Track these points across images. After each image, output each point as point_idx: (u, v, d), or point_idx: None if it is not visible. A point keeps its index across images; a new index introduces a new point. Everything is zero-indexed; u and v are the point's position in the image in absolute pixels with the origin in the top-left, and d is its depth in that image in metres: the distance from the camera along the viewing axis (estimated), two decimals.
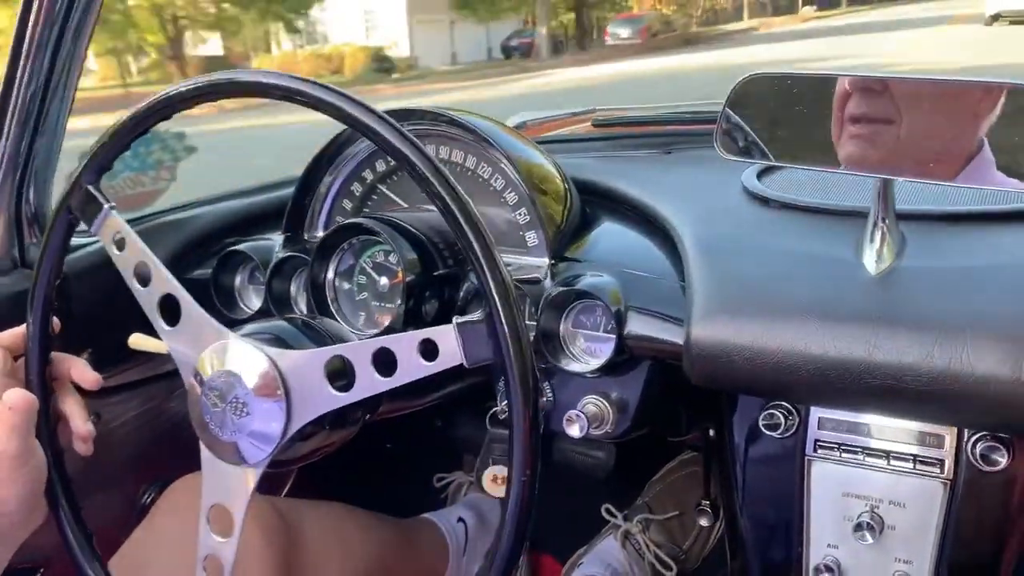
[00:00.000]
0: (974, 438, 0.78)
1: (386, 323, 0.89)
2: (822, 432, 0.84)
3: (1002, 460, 0.77)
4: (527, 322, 0.87)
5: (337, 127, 0.95)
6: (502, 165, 0.92)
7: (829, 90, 0.71)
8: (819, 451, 0.84)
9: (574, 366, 0.86)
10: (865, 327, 0.70)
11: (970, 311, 0.69)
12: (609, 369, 0.85)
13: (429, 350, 0.63)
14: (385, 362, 0.65)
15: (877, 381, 0.70)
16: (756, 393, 0.83)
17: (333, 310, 0.92)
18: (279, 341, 0.72)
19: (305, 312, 0.95)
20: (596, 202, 1.00)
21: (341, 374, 0.67)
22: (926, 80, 0.68)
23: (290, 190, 1.04)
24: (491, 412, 0.92)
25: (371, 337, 0.72)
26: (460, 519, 1.43)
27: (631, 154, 1.13)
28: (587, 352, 0.87)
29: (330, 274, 0.92)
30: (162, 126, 0.75)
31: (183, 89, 0.69)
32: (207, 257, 1.07)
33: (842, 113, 0.70)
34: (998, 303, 0.69)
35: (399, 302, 0.86)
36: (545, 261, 0.90)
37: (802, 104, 0.73)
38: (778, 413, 0.85)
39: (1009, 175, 0.65)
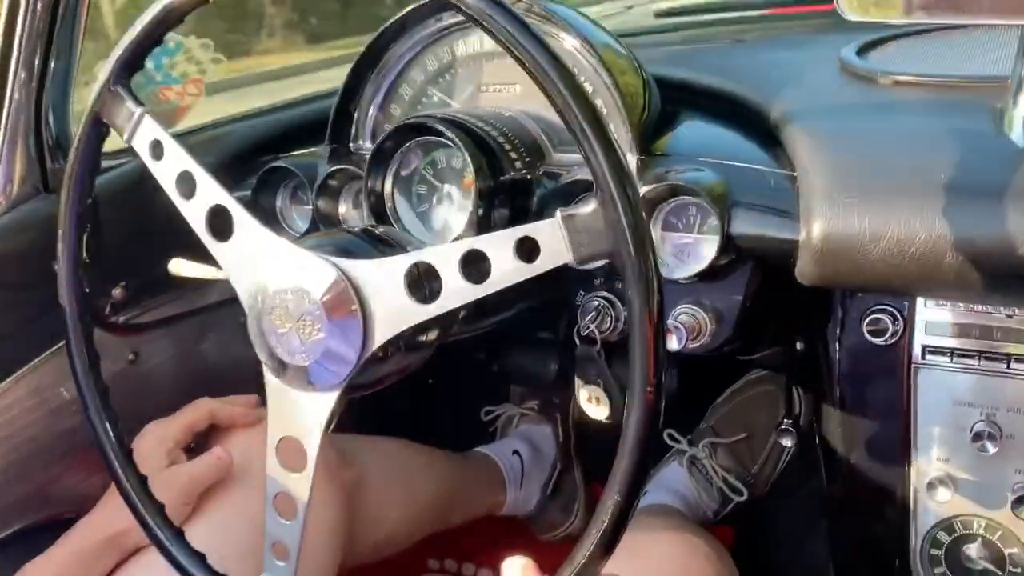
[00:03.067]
0: None
1: (455, 234, 0.80)
2: (930, 337, 0.77)
3: None
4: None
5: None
6: (578, 52, 0.82)
7: None
8: (928, 357, 0.77)
9: (669, 272, 0.77)
10: (1018, 205, 0.62)
11: None
12: (707, 274, 0.76)
13: (528, 249, 0.54)
14: (475, 267, 0.56)
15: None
16: (890, 290, 0.75)
17: (393, 221, 0.83)
18: (347, 252, 0.63)
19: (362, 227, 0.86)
20: (672, 96, 0.90)
21: (424, 283, 0.58)
22: None
23: (331, 101, 0.94)
24: (576, 329, 0.84)
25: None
26: (515, 451, 1.38)
27: (700, 45, 1.02)
28: (686, 255, 0.78)
29: (388, 183, 0.83)
30: (184, 33, 0.66)
31: None
32: (244, 176, 0.98)
33: None
34: None
35: (470, 210, 0.77)
36: (631, 156, 0.80)
37: None
38: (884, 317, 0.78)
39: None
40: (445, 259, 0.57)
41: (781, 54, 0.92)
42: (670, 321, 0.78)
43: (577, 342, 0.82)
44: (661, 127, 0.85)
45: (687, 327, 0.78)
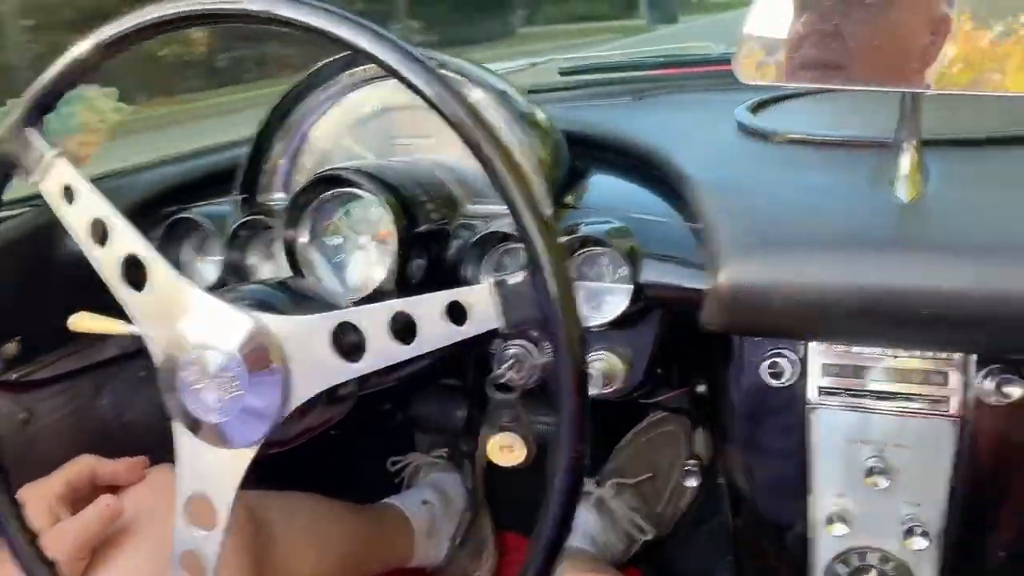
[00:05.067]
0: (983, 372, 0.76)
1: (372, 287, 0.80)
2: (825, 378, 0.81)
3: (1016, 391, 0.76)
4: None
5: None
6: (491, 109, 0.84)
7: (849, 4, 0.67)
8: (823, 397, 0.81)
9: (584, 321, 0.80)
10: (897, 254, 0.67)
11: (1007, 234, 0.66)
12: (619, 322, 0.79)
13: (457, 313, 0.56)
14: (404, 328, 0.57)
15: (912, 311, 0.66)
16: (789, 335, 0.79)
17: (308, 275, 0.83)
18: (268, 306, 0.63)
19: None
20: (579, 151, 0.93)
21: (349, 342, 0.59)
22: None
23: (241, 151, 0.93)
24: (491, 378, 0.85)
25: (358, 302, 0.65)
26: (425, 501, 1.37)
27: (601, 102, 1.07)
28: (597, 304, 0.81)
29: (304, 235, 0.83)
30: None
31: (149, 18, 0.59)
32: (150, 228, 0.95)
33: (874, 25, 0.66)
34: None
35: (388, 261, 0.78)
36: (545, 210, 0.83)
37: (830, 18, 0.68)
38: (781, 361, 0.82)
39: None
40: (373, 320, 0.57)
41: (681, 112, 0.97)
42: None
43: (490, 390, 0.83)
44: (571, 181, 0.88)
45: (601, 374, 0.81)
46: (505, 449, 0.84)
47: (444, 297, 0.56)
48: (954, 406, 0.78)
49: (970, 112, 0.82)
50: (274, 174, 0.93)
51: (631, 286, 0.77)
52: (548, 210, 0.82)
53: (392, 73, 0.55)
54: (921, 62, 0.65)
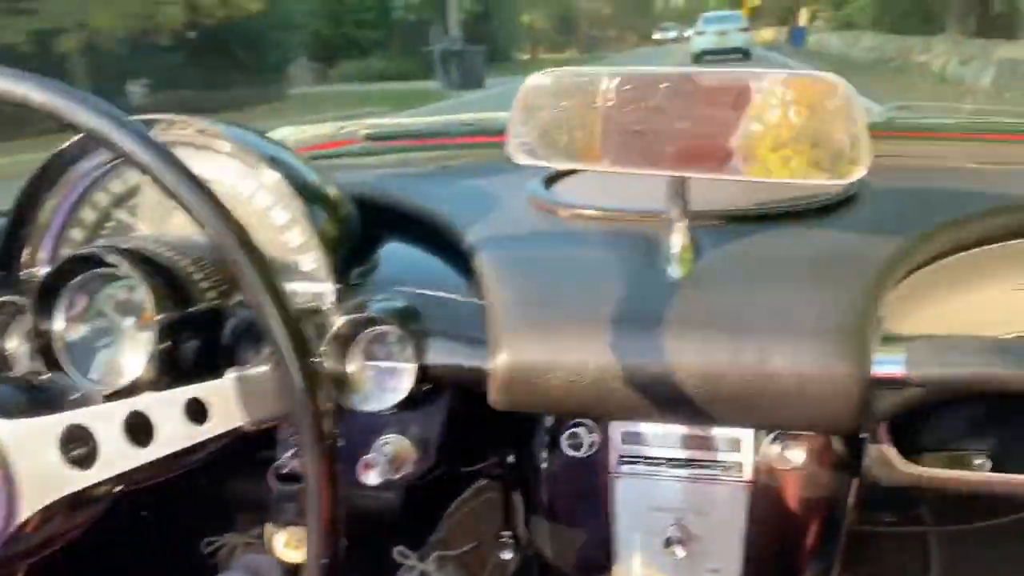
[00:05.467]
0: (770, 437, 0.78)
1: (135, 375, 0.74)
2: (625, 446, 0.82)
3: (798, 458, 0.78)
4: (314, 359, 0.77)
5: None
6: (265, 179, 0.80)
7: (618, 88, 0.68)
8: (623, 466, 0.82)
9: (369, 404, 0.76)
10: (671, 332, 0.68)
11: (773, 308, 0.68)
12: (408, 403, 0.76)
13: (197, 411, 0.52)
14: (139, 429, 0.52)
15: (684, 389, 0.67)
16: (570, 413, 0.79)
17: (65, 364, 0.75)
18: None
19: (30, 370, 0.77)
20: (377, 219, 0.91)
21: (80, 447, 0.53)
22: (728, 72, 0.67)
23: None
24: (274, 467, 0.80)
25: (115, 395, 0.59)
26: None
27: (409, 169, 1.05)
28: (382, 387, 0.78)
29: (59, 320, 0.75)
30: None
31: None
32: None
33: (654, 113, 0.67)
34: (801, 298, 0.69)
35: (149, 348, 0.72)
36: (327, 287, 0.79)
37: (593, 103, 0.69)
38: (580, 431, 0.82)
39: (814, 169, 0.65)
40: (105, 421, 0.52)
41: (480, 181, 0.96)
42: (372, 454, 0.77)
43: (272, 481, 0.78)
44: (364, 252, 0.85)
45: (390, 458, 0.77)
46: (291, 546, 0.79)
47: (183, 393, 0.51)
48: (747, 472, 0.80)
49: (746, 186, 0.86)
50: (39, 249, 0.85)
51: (415, 366, 0.74)
52: (330, 285, 0.79)
53: (103, 141, 0.51)
54: (678, 147, 0.67)
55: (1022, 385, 0.65)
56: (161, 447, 0.52)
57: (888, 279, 0.72)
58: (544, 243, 0.80)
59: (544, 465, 0.86)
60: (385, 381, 0.77)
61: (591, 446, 0.83)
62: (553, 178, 0.93)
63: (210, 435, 0.52)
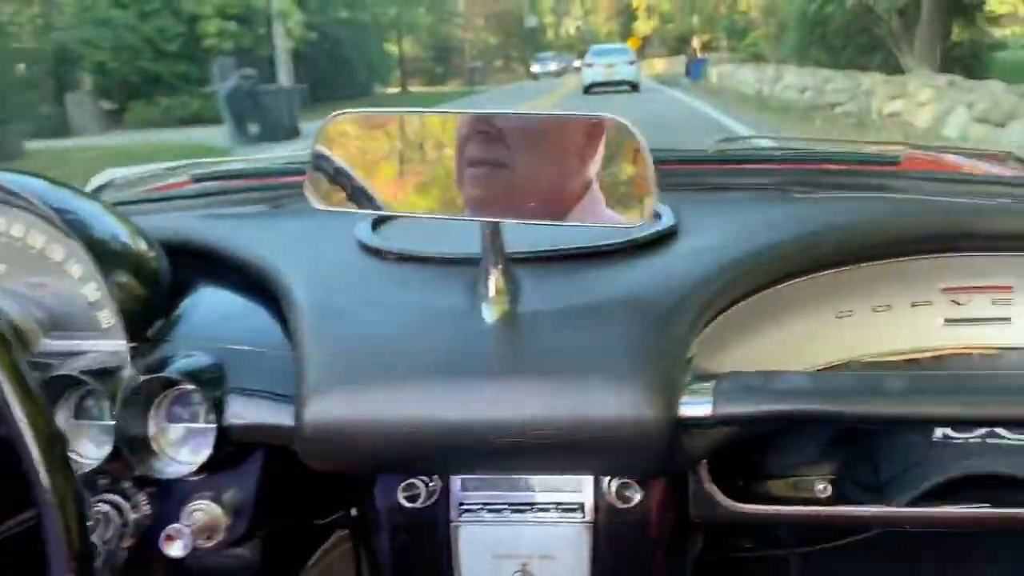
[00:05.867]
0: (607, 478, 0.77)
1: None
2: (465, 494, 0.79)
3: (636, 496, 0.78)
4: (107, 422, 0.71)
5: None
6: (59, 232, 0.75)
7: (425, 130, 0.67)
8: (464, 515, 0.79)
9: (171, 470, 0.71)
10: (482, 381, 0.66)
11: (585, 352, 0.67)
12: (215, 466, 0.71)
13: None
14: None
15: (501, 439, 0.65)
16: (383, 471, 0.76)
17: None
18: None
19: None
20: (196, 266, 0.86)
21: None
22: (531, 115, 0.66)
23: None
24: None
25: None
26: None
27: (237, 210, 1.00)
28: (189, 449, 0.72)
29: None
30: None
31: None
32: None
33: (462, 157, 0.65)
34: (611, 342, 0.68)
35: None
36: (122, 345, 0.74)
37: (402, 146, 0.67)
38: (418, 483, 0.79)
39: (614, 211, 0.65)
40: None
41: (309, 223, 0.92)
42: (176, 525, 0.71)
43: None
44: (173, 302, 0.80)
45: (197, 528, 0.72)
46: None
47: None
48: (588, 512, 0.78)
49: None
50: None
51: (215, 428, 0.69)
52: (124, 343, 0.73)
53: None
54: (480, 192, 0.65)
55: (829, 417, 0.66)
56: None
57: (702, 317, 0.72)
58: (365, 289, 0.77)
59: (383, 518, 0.82)
60: (186, 445, 0.72)
61: (430, 496, 0.79)
62: (382, 220, 0.90)
63: None
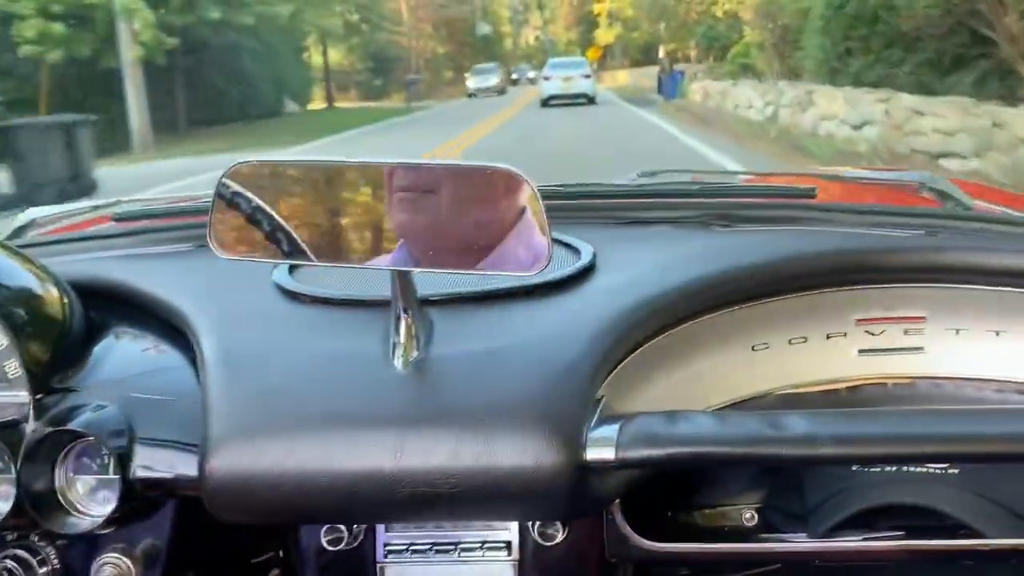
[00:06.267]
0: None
1: None
2: (390, 535, 0.79)
3: (558, 534, 0.78)
4: (8, 474, 0.69)
5: None
6: None
7: (316, 180, 0.67)
8: (389, 556, 0.79)
9: (77, 524, 0.69)
10: (389, 431, 0.66)
11: (491, 399, 0.67)
12: (124, 519, 0.70)
13: None
14: None
15: (408, 490, 0.65)
16: (292, 522, 0.75)
17: None
18: None
19: None
20: (113, 308, 0.85)
21: None
22: (429, 165, 0.66)
23: None
24: None
25: None
26: None
27: (158, 249, 0.99)
28: (97, 501, 0.71)
29: None
30: None
31: None
32: None
33: (333, 203, 0.66)
34: (517, 386, 0.68)
35: None
36: (27, 396, 0.72)
37: (292, 195, 0.67)
38: (340, 526, 0.79)
39: (519, 256, 0.65)
40: None
41: (231, 265, 0.92)
42: None
43: None
44: (84, 349, 0.79)
45: None
46: None
47: None
48: (514, 551, 0.79)
49: None
50: None
51: (120, 480, 0.68)
52: (27, 395, 0.72)
53: None
54: (380, 240, 0.65)
55: (733, 460, 0.66)
56: None
57: (614, 355, 0.72)
58: (278, 335, 0.76)
59: (308, 561, 0.81)
60: (94, 497, 0.71)
61: (355, 538, 0.79)
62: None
63: None
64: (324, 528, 0.79)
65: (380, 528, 0.79)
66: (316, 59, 35.68)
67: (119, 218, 1.06)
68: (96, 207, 1.16)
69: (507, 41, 70.52)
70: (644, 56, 48.55)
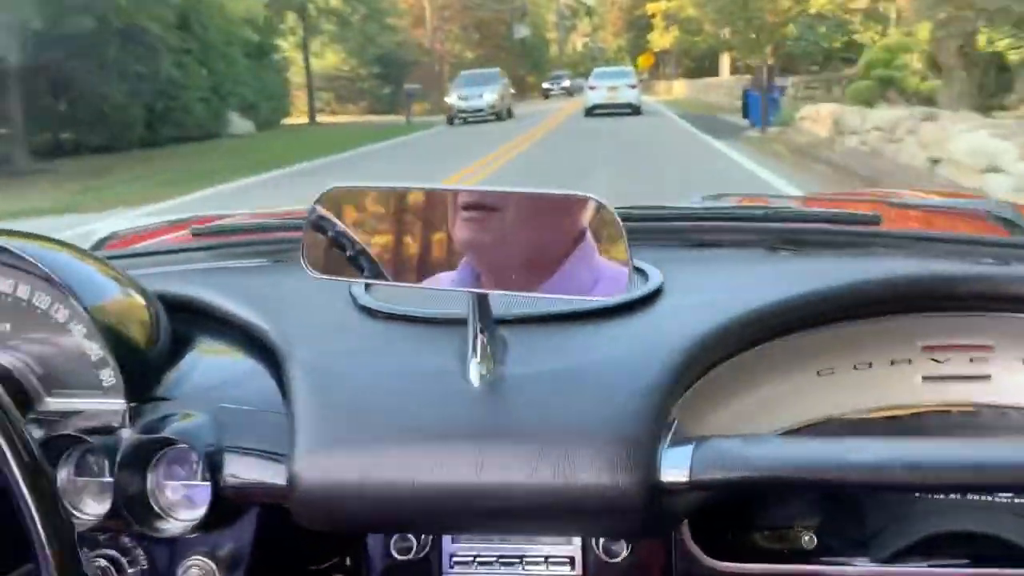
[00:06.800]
0: None
1: None
2: (456, 546, 0.82)
3: (622, 551, 0.80)
4: (106, 479, 0.73)
5: None
6: (63, 293, 0.77)
7: (417, 204, 0.69)
8: (455, 567, 0.82)
9: (167, 528, 0.73)
10: (470, 446, 0.68)
11: (568, 417, 0.69)
12: (209, 524, 0.73)
13: None
14: None
15: (488, 504, 0.67)
16: (370, 531, 0.78)
17: None
18: None
19: None
20: (195, 321, 0.89)
21: None
22: (513, 193, 0.68)
23: None
24: None
25: None
26: None
27: (235, 263, 1.03)
28: (186, 506, 0.75)
29: None
30: None
31: None
32: None
33: (425, 228, 0.69)
34: (592, 406, 0.70)
35: None
36: (123, 404, 0.76)
37: (390, 218, 0.70)
38: (410, 535, 0.82)
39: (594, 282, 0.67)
40: None
41: (304, 280, 0.95)
42: None
43: None
44: (171, 360, 0.83)
45: None
46: None
47: None
48: (577, 566, 0.81)
49: None
50: None
51: (210, 486, 0.72)
52: (123, 402, 0.76)
53: None
54: (469, 264, 0.68)
55: (805, 485, 0.67)
56: None
57: (685, 379, 0.73)
58: (358, 349, 0.79)
59: (376, 570, 0.84)
60: (183, 503, 0.74)
61: (422, 548, 0.82)
62: None
63: None
64: (394, 537, 0.82)
65: (446, 539, 0.82)
66: (315, 64, 30.70)
67: (197, 233, 1.11)
68: (172, 223, 1.21)
69: (552, 47, 67.61)
70: (700, 65, 43.58)
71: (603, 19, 69.79)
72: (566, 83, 47.33)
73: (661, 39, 44.99)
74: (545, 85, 49.65)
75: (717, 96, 23.73)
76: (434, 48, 40.00)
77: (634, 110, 24.40)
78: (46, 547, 0.50)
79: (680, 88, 39.86)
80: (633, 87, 25.28)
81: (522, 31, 49.48)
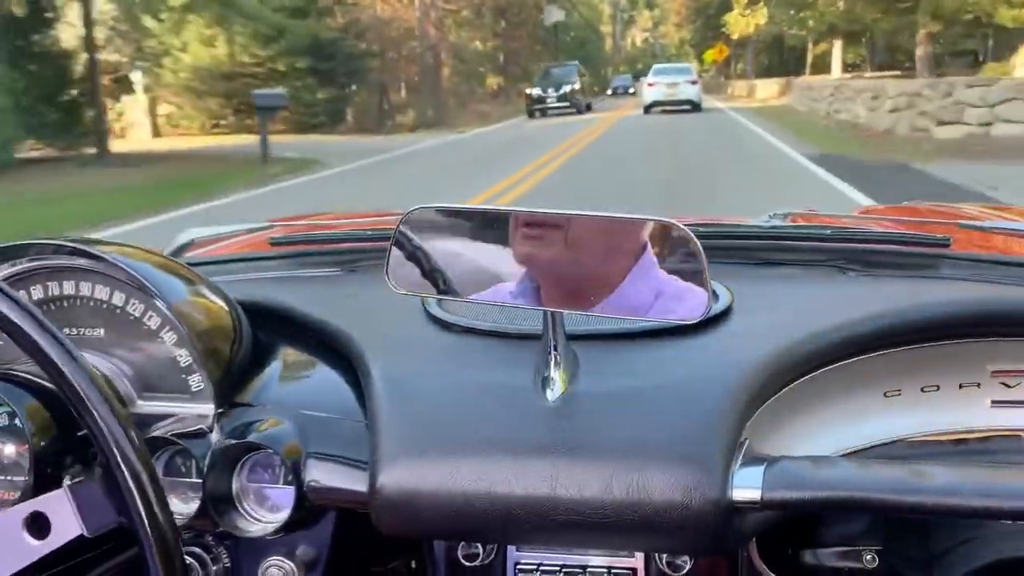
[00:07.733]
0: None
1: (12, 500, 0.73)
2: (521, 554, 0.84)
3: (685, 565, 0.81)
4: (194, 479, 0.77)
5: None
6: (155, 301, 0.82)
7: (499, 224, 0.71)
8: (519, 574, 0.83)
9: (251, 529, 0.77)
10: (546, 460, 0.70)
11: (642, 435, 0.71)
12: (291, 527, 0.77)
13: (39, 526, 0.52)
14: None
15: (561, 517, 0.69)
16: (446, 539, 0.80)
17: None
18: None
19: None
20: (274, 328, 0.92)
21: None
22: (590, 216, 0.69)
23: None
24: None
25: None
26: None
27: (312, 272, 1.06)
28: (269, 508, 0.78)
29: None
30: None
31: None
32: None
33: (516, 227, 0.70)
34: (664, 424, 0.71)
35: (26, 474, 0.72)
36: (210, 408, 0.80)
37: (472, 238, 0.72)
38: (477, 542, 0.84)
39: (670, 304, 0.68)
40: None
41: (380, 290, 0.98)
42: None
43: None
44: (254, 366, 0.86)
45: None
46: None
47: (23, 509, 0.52)
48: None
49: None
50: None
51: (295, 490, 0.75)
52: (211, 407, 0.80)
53: None
54: (549, 285, 0.70)
55: (875, 506, 0.68)
56: (5, 568, 0.52)
57: (756, 400, 0.74)
58: (433, 361, 0.82)
59: (440, 574, 0.87)
60: (266, 505, 0.78)
61: (488, 555, 0.84)
62: None
63: (52, 548, 0.52)
64: (461, 544, 0.84)
65: (511, 547, 0.84)
66: (194, 57, 20.32)
67: (275, 242, 1.15)
68: (251, 230, 1.25)
69: (607, 41, 63.94)
70: (781, 59, 34.97)
71: (665, 10, 64.18)
72: (631, 89, 44.59)
73: (740, 23, 35.08)
74: (608, 92, 48.68)
75: (840, 104, 13.42)
76: (426, 32, 27.82)
77: (694, 107, 24.07)
78: (151, 534, 0.53)
79: (770, 90, 29.20)
80: (694, 83, 24.89)
81: (556, 14, 39.71)
